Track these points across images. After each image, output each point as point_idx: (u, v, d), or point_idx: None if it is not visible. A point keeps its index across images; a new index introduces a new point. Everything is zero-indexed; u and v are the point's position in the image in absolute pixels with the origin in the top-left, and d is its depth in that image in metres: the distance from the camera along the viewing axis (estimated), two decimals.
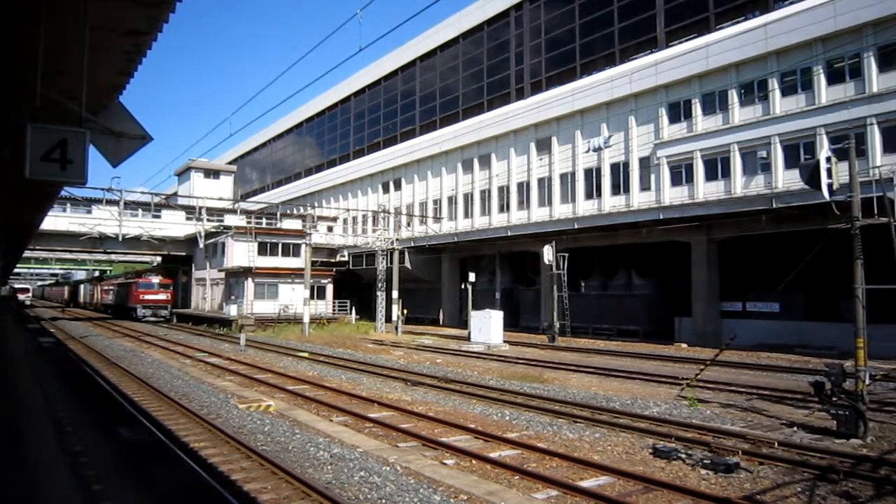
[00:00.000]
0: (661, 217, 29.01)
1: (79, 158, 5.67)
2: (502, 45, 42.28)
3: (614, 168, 34.65)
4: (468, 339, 29.64)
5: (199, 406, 13.45)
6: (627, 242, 32.48)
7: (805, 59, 26.49)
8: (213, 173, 65.32)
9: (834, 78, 26.05)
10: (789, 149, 27.09)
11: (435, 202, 47.93)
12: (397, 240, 40.56)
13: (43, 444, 8.82)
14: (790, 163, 26.68)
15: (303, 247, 40.08)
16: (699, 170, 30.32)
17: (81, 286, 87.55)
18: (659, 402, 13.89)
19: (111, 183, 64.71)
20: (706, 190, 29.88)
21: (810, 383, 11.42)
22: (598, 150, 35.15)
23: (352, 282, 49.60)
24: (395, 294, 38.45)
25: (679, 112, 31.53)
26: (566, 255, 31.90)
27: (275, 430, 11.18)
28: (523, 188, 40.23)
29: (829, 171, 11.46)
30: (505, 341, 29.07)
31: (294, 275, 42.50)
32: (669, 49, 31.77)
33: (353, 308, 46.94)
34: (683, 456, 9.44)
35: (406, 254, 41.82)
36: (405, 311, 40.18)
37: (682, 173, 31.19)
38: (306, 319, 35.87)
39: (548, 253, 31.24)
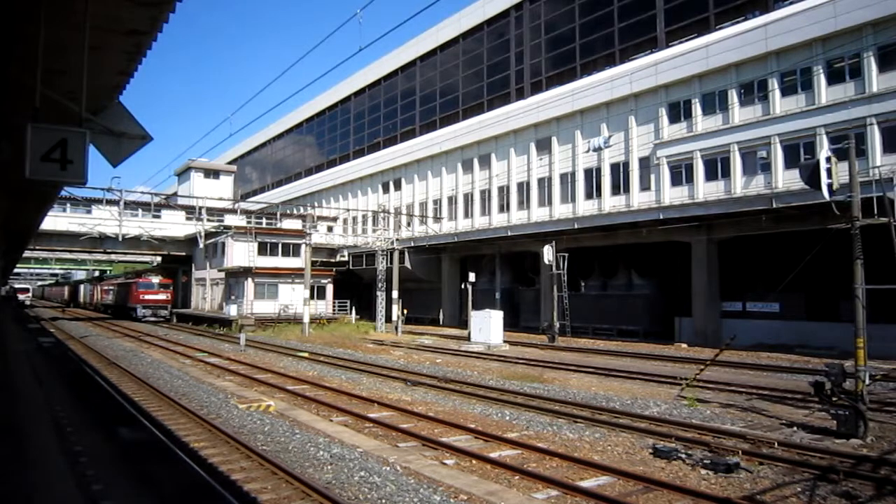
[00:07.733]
0: (661, 217, 29.03)
1: (79, 158, 5.67)
2: (502, 45, 42.26)
3: (614, 168, 34.64)
4: (468, 339, 29.64)
5: (199, 406, 13.46)
6: (627, 242, 32.48)
7: (805, 59, 26.49)
8: (213, 173, 65.26)
9: (834, 78, 26.04)
10: (789, 149, 27.08)
11: (435, 202, 47.92)
12: (397, 240, 40.55)
13: (42, 444, 8.80)
14: (790, 163, 26.67)
15: (303, 247, 40.08)
16: (699, 170, 30.31)
17: (81, 286, 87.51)
18: (659, 402, 13.88)
19: (111, 183, 64.74)
20: (706, 190, 29.88)
21: (810, 383, 11.42)
22: (598, 150, 35.15)
23: (352, 282, 49.59)
24: (394, 294, 38.45)
25: (679, 112, 31.52)
26: (566, 255, 31.90)
27: (275, 430, 11.17)
28: (523, 188, 40.22)
29: (828, 171, 11.47)
30: (505, 341, 29.07)
31: (294, 275, 42.49)
32: (669, 49, 31.76)
33: (353, 308, 46.95)
34: (683, 456, 9.44)
35: (406, 254, 41.82)
36: (405, 311, 40.17)
37: (682, 173, 31.19)
38: (306, 319, 35.86)
39: (548, 253, 31.24)
